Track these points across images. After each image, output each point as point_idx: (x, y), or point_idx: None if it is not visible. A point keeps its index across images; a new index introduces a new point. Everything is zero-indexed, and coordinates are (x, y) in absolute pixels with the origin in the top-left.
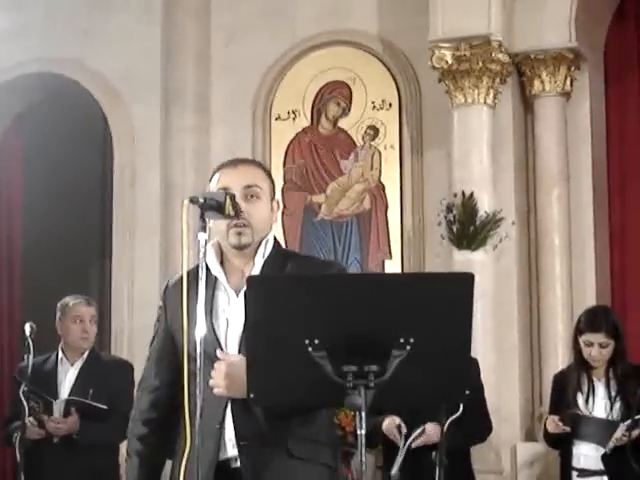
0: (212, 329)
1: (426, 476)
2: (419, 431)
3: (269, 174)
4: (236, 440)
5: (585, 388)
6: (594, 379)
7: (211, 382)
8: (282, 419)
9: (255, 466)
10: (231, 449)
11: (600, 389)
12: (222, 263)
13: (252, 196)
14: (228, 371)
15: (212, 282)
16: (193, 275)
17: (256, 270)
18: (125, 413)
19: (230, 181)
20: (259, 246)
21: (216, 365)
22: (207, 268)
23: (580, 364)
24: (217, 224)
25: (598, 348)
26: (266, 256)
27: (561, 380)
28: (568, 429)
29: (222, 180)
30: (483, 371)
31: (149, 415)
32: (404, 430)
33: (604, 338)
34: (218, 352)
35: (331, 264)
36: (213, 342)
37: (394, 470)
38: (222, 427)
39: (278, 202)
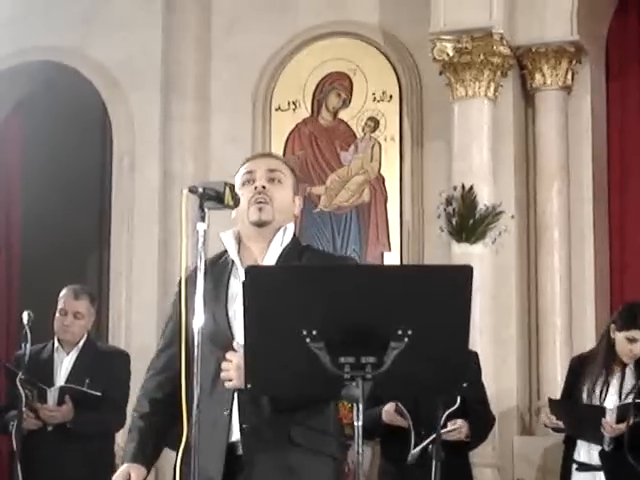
0: (226, 315)
1: (423, 470)
2: (455, 427)
3: (293, 171)
4: (239, 423)
5: (600, 382)
6: (612, 375)
7: (223, 375)
8: (289, 410)
9: (255, 450)
10: (237, 433)
11: (614, 385)
12: (239, 252)
13: (274, 180)
14: (240, 363)
15: (229, 268)
16: (212, 263)
17: (271, 260)
18: (120, 403)
19: (255, 165)
20: (276, 233)
21: (228, 356)
22: (224, 255)
23: (607, 358)
24: (240, 205)
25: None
26: (284, 245)
27: (578, 367)
28: (560, 424)
29: (247, 166)
30: (481, 364)
31: (154, 395)
32: (403, 410)
33: None
34: (234, 343)
35: (346, 260)
36: (225, 329)
37: (414, 451)
38: (231, 413)
39: (301, 200)
